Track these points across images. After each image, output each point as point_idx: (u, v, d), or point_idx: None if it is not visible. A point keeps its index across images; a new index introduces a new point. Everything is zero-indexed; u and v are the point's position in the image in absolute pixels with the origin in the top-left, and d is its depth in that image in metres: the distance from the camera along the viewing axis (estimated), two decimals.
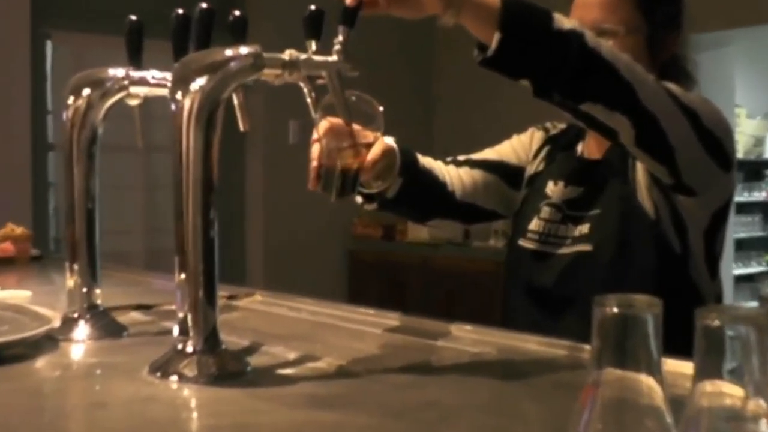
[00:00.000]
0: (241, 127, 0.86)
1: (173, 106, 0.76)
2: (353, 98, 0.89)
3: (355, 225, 3.60)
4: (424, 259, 3.35)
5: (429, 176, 1.09)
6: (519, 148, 1.17)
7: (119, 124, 1.14)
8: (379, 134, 0.93)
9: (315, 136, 0.93)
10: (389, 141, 1.03)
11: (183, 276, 0.76)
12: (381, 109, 0.91)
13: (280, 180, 3.34)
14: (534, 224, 1.09)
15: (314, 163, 0.92)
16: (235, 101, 0.83)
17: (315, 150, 0.93)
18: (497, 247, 3.19)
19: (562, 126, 1.17)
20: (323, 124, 0.90)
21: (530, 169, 1.15)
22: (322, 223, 3.41)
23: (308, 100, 0.83)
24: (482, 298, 3.08)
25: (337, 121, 0.89)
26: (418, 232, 3.36)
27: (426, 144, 3.93)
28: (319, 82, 0.83)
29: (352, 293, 3.54)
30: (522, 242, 1.10)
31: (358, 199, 1.04)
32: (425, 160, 1.11)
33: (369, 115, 0.92)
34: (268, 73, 0.80)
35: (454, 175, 1.13)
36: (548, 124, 1.19)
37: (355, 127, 0.91)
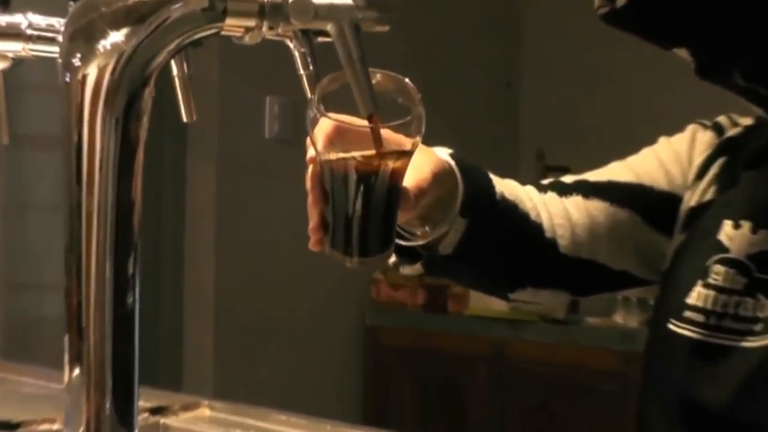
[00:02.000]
0: (184, 117, 0.87)
1: (66, 77, 0.77)
2: (381, 79, 0.91)
3: (376, 285, 3.61)
4: (498, 346, 3.34)
5: (513, 215, 1.11)
6: (671, 161, 1.18)
7: None
8: (418, 140, 0.93)
9: (311, 151, 0.93)
10: (442, 154, 1.05)
11: (77, 372, 0.77)
12: (419, 97, 0.91)
13: (246, 204, 3.36)
14: (697, 295, 1.10)
15: (311, 202, 0.94)
16: (175, 73, 0.84)
17: (310, 176, 0.94)
18: (627, 330, 3.17)
19: (748, 122, 1.17)
20: (324, 126, 0.90)
21: (691, 199, 1.16)
22: (318, 281, 3.42)
23: (301, 73, 0.84)
24: (599, 417, 3.04)
25: (349, 119, 0.90)
26: (488, 300, 3.35)
27: (507, 150, 3.96)
28: (320, 41, 0.84)
29: (370, 404, 3.54)
30: (674, 326, 1.11)
31: (392, 258, 1.06)
32: (506, 187, 1.12)
33: (401, 106, 0.93)
34: (234, 25, 0.81)
35: (556, 211, 1.15)
36: (722, 119, 1.19)
37: (382, 131, 0.91)
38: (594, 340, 3.20)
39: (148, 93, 0.77)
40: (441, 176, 1.02)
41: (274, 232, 3.31)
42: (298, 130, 3.27)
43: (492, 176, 1.11)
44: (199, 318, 3.35)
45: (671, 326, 1.10)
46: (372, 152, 0.90)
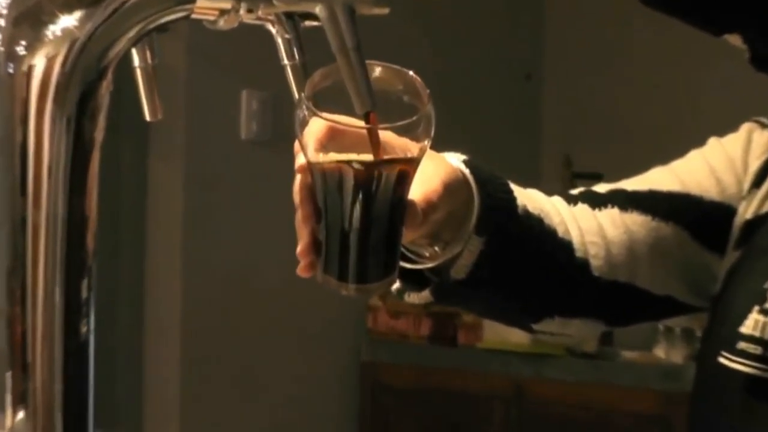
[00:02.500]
0: (147, 115, 0.87)
1: (9, 69, 0.78)
2: (381, 73, 0.91)
3: (374, 313, 3.61)
4: (517, 385, 3.34)
5: (538, 232, 1.11)
6: (723, 166, 1.18)
7: None
8: (426, 144, 0.93)
9: (300, 157, 0.93)
10: (454, 161, 1.05)
11: (21, 416, 0.77)
12: (428, 93, 0.91)
13: (219, 218, 3.36)
14: (753, 323, 1.10)
15: (301, 218, 0.93)
16: (137, 64, 0.85)
17: (299, 187, 0.94)
18: (670, 366, 3.17)
19: None
20: (315, 128, 0.91)
21: (746, 211, 1.17)
22: (304, 309, 3.42)
23: (285, 63, 0.84)
24: None
25: (345, 119, 0.90)
26: (505, 332, 3.35)
27: (527, 153, 3.96)
28: (308, 25, 0.84)
29: None
30: (726, 359, 1.11)
31: (395, 284, 1.06)
32: (529, 198, 1.12)
33: (406, 106, 0.92)
34: (207, 7, 0.81)
35: (588, 226, 1.15)
36: None
37: (384, 134, 0.91)
38: (631, 378, 3.20)
39: (105, 87, 0.77)
40: (454, 187, 1.01)
41: (251, 251, 3.31)
42: (280, 130, 3.28)
43: (513, 186, 1.10)
44: (163, 352, 3.35)
45: (723, 360, 1.10)
46: (371, 157, 0.90)
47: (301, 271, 0.94)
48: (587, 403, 3.23)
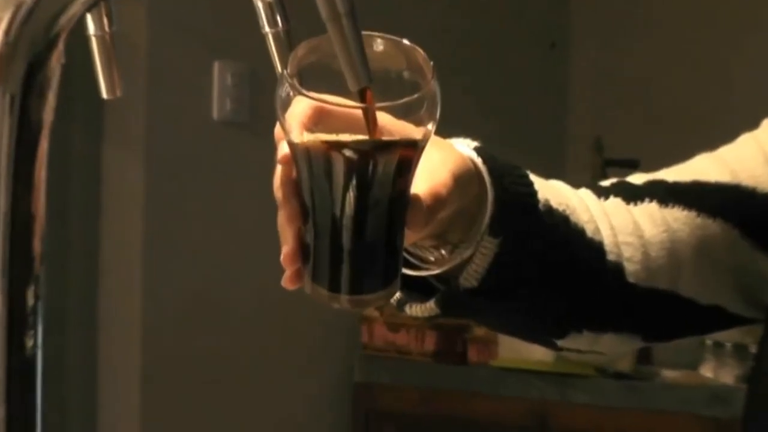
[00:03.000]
0: (104, 92, 0.88)
1: None
2: (378, 46, 0.91)
3: (369, 325, 3.61)
4: (538, 411, 3.35)
5: (563, 232, 1.11)
6: None
7: None
8: (431, 128, 0.93)
9: (283, 146, 0.93)
10: (463, 149, 1.04)
11: None
12: (431, 65, 0.91)
13: (186, 211, 3.36)
14: None
15: (284, 219, 0.93)
16: (92, 32, 0.85)
17: (282, 181, 0.94)
18: (719, 388, 3.17)
19: None
20: (300, 108, 0.91)
21: None
22: (288, 320, 3.42)
23: (266, 31, 0.85)
24: None
25: (334, 99, 0.91)
26: (524, 347, 3.35)
27: (551, 135, 3.97)
28: None
29: None
30: None
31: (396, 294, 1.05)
32: (552, 192, 1.12)
33: (408, 83, 0.92)
34: None
35: (621, 224, 1.15)
36: None
37: (382, 117, 0.91)
38: (673, 401, 3.20)
39: (56, 59, 0.77)
40: (464, 180, 1.00)
41: (224, 251, 3.32)
42: (258, 109, 3.28)
43: (533, 177, 1.10)
44: (121, 368, 3.35)
45: None
46: (365, 138, 0.90)
47: (287, 281, 0.94)
48: (621, 431, 3.23)
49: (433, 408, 3.48)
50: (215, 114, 3.35)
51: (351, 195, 0.91)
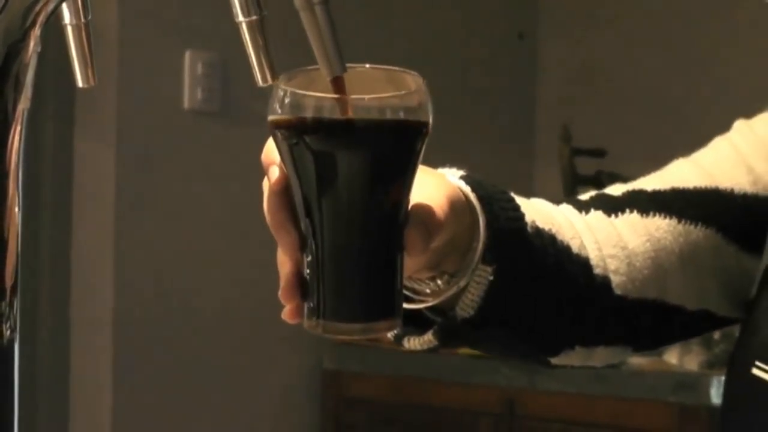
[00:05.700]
0: (79, 81, 0.88)
1: None
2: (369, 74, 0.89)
3: None
4: (508, 398, 3.35)
5: (552, 252, 1.09)
6: (754, 152, 1.19)
7: None
8: (427, 123, 0.89)
9: (274, 172, 0.90)
10: (452, 178, 1.03)
11: None
12: (422, 82, 0.89)
13: (157, 203, 3.35)
14: None
15: (284, 246, 0.91)
16: (67, 20, 0.85)
17: (275, 209, 0.90)
18: (684, 375, 3.18)
19: None
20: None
21: None
22: (258, 309, 3.41)
23: (240, 20, 0.85)
24: None
25: (309, 93, 0.88)
26: None
27: (519, 126, 3.97)
28: None
29: None
30: (760, 370, 1.12)
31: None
32: (537, 212, 1.11)
33: (397, 107, 0.88)
34: None
35: (605, 237, 1.15)
36: None
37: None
38: (639, 389, 3.21)
39: (32, 48, 0.77)
40: (458, 206, 0.98)
41: (196, 243, 3.30)
42: (230, 99, 3.26)
43: (518, 200, 1.08)
44: (92, 361, 3.34)
45: (756, 371, 1.11)
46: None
47: (288, 315, 0.93)
48: (589, 418, 3.24)
49: (403, 396, 3.47)
50: (186, 103, 3.33)
51: (351, 195, 0.88)
